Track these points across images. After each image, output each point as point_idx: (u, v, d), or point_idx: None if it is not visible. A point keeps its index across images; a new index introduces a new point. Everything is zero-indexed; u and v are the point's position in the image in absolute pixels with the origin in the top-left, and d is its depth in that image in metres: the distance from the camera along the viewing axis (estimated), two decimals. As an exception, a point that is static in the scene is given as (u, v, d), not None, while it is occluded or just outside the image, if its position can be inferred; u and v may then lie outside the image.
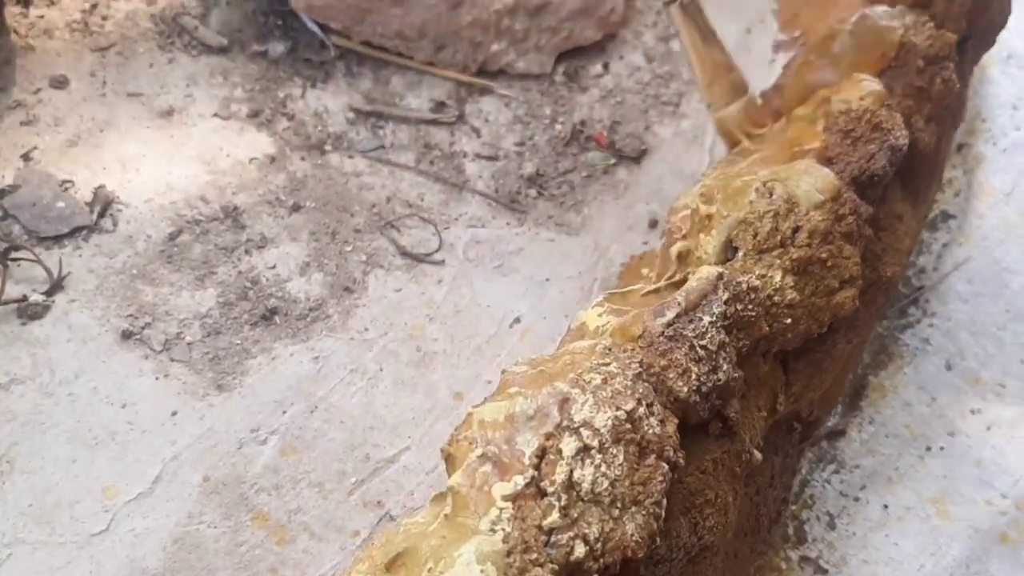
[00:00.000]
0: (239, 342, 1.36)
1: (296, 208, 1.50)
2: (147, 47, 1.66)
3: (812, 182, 1.15)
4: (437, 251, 1.50)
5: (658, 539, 0.97)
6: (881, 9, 1.38)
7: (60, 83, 1.58)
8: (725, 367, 1.04)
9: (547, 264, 1.52)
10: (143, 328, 1.35)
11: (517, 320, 1.45)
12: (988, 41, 1.76)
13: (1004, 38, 2.33)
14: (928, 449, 1.59)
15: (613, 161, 1.66)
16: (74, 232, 1.42)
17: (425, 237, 1.51)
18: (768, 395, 1.18)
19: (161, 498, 1.22)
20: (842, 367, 1.49)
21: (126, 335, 1.33)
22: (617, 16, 1.81)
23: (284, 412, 1.30)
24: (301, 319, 1.39)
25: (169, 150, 1.53)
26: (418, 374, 1.36)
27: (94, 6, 1.69)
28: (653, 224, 1.58)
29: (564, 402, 0.94)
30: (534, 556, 0.85)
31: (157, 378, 1.31)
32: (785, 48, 1.95)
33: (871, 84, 1.25)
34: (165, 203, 1.47)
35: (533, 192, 1.59)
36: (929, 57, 1.34)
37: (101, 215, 1.44)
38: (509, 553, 0.84)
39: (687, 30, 1.78)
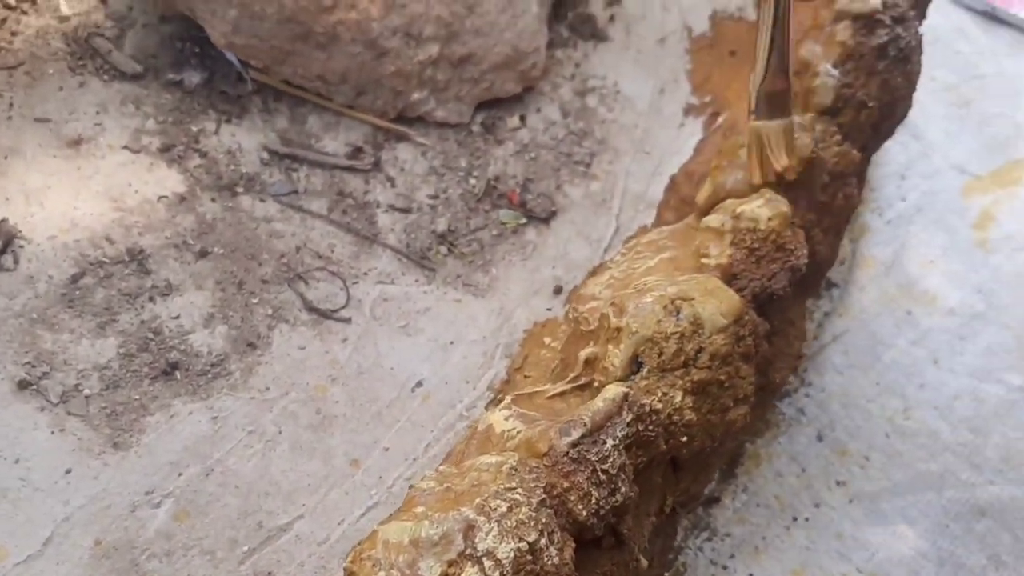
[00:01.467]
0: (138, 397, 1.35)
1: (203, 254, 1.49)
2: (57, 68, 1.61)
3: (717, 305, 1.20)
4: (344, 307, 1.51)
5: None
6: (796, 120, 1.44)
7: (-37, 101, 1.53)
8: (623, 489, 1.09)
9: (453, 326, 1.55)
10: (40, 378, 1.33)
11: (419, 384, 1.47)
12: (887, 136, 1.85)
13: (900, 107, 2.45)
14: (794, 520, 1.68)
15: (523, 220, 1.69)
16: (-28, 269, 1.38)
17: (333, 292, 1.52)
18: (658, 500, 1.24)
19: (52, 560, 1.22)
20: (724, 444, 1.56)
21: (23, 385, 1.31)
22: (537, 71, 1.83)
23: (180, 474, 1.31)
24: (202, 375, 1.39)
25: (76, 183, 1.50)
26: (316, 438, 1.38)
27: (3, 20, 1.62)
28: (558, 291, 1.62)
29: (469, 529, 0.98)
30: None
31: (53, 432, 1.29)
32: (695, 113, 2.00)
33: (779, 204, 1.31)
34: (69, 241, 1.45)
35: (444, 249, 1.62)
36: (835, 173, 1.41)
37: (2, 251, 1.40)
38: None
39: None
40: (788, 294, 1.29)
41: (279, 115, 1.68)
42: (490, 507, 1.00)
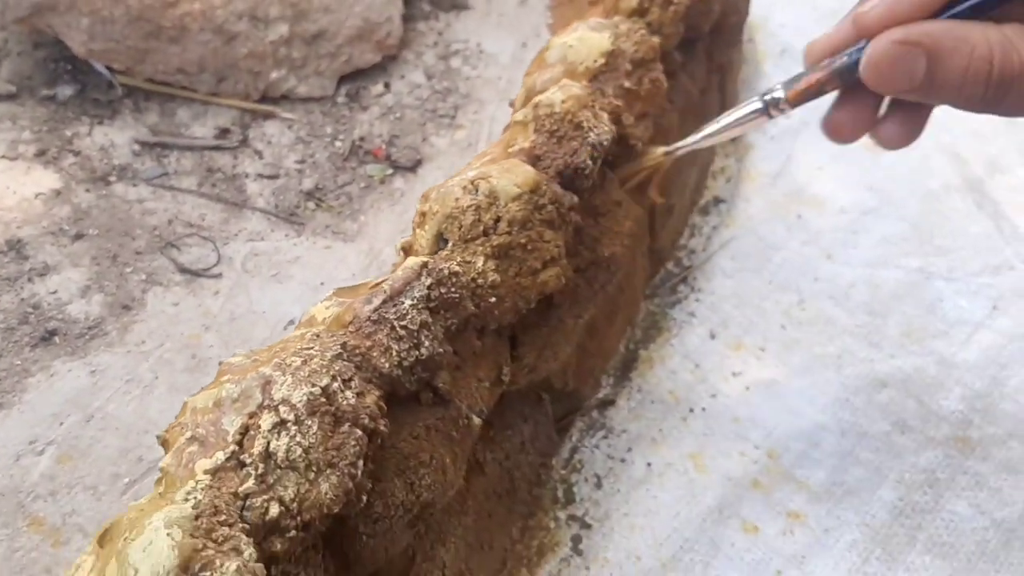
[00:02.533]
0: (19, 363, 1.45)
1: (79, 236, 1.61)
2: (-64, 98, 1.75)
3: (512, 178, 1.28)
4: (215, 266, 1.61)
5: (364, 497, 1.09)
6: (594, 21, 1.54)
7: None
8: (427, 343, 1.16)
9: (323, 270, 1.64)
10: (-75, 358, 1.44)
11: (291, 322, 1.56)
12: (730, 39, 1.94)
13: (779, 34, 2.54)
14: (691, 411, 1.74)
15: (390, 171, 1.79)
16: None
17: (204, 254, 1.62)
18: (490, 367, 1.31)
19: (-60, 512, 1.31)
20: (597, 343, 1.63)
21: (-92, 365, 1.43)
22: (394, 39, 1.94)
23: (61, 423, 1.40)
24: (80, 337, 1.49)
25: (-44, 192, 1.63)
26: (192, 379, 1.47)
27: None
28: (423, 226, 1.71)
29: (267, 384, 1.06)
30: (223, 518, 0.97)
31: (-66, 410, 1.40)
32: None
33: (573, 88, 1.40)
34: (-50, 241, 1.57)
35: (312, 205, 1.72)
36: (636, 61, 1.50)
37: None
38: (198, 517, 0.96)
39: None
40: (592, 167, 1.37)
41: (149, 112, 1.80)
42: (286, 364, 1.08)
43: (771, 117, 1.33)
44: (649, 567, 1.54)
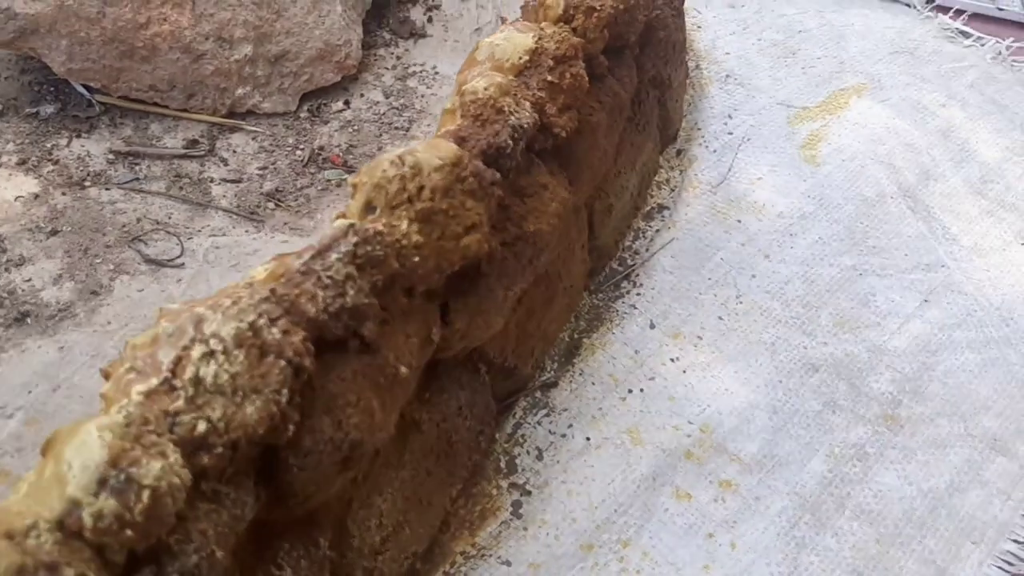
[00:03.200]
0: (-5, 342, 1.58)
1: (54, 232, 1.74)
2: (-72, 116, 1.91)
3: (435, 152, 1.42)
4: (179, 257, 1.74)
5: (291, 427, 1.20)
6: (521, 23, 1.69)
7: None
8: (352, 293, 1.28)
9: (280, 261, 1.77)
10: (-93, 336, 1.56)
11: (248, 307, 1.68)
12: (662, 54, 2.08)
13: (722, 61, 2.69)
14: (629, 391, 1.84)
15: (345, 176, 1.93)
16: None
17: (169, 247, 1.75)
18: (419, 325, 1.42)
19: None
20: (535, 323, 1.75)
21: None
22: (353, 60, 2.10)
23: (29, 392, 1.52)
24: (50, 319, 1.61)
25: (-58, 195, 1.77)
26: (154, 354, 1.59)
27: None
28: (375, 223, 1.84)
29: (199, 322, 1.18)
30: (152, 427, 1.08)
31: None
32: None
33: (496, 77, 1.54)
34: (-66, 237, 1.71)
35: (271, 204, 1.85)
36: (558, 57, 1.64)
37: None
38: (128, 424, 1.07)
39: None
40: (513, 147, 1.50)
41: (124, 127, 1.95)
42: (218, 304, 1.20)
43: None
44: (584, 528, 1.64)
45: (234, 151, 1.93)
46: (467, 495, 1.65)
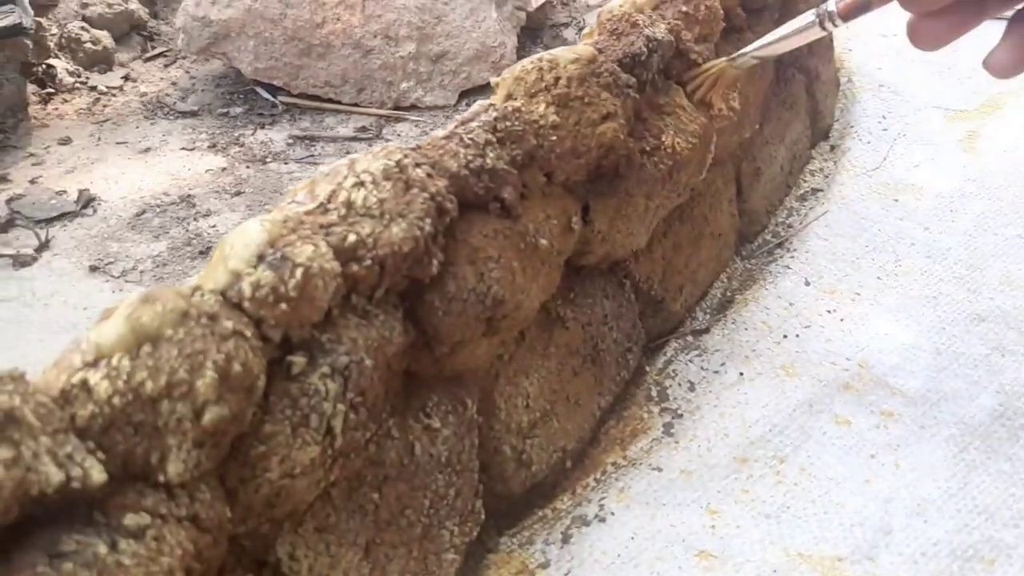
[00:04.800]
0: (182, 270, 1.73)
1: (237, 193, 1.92)
2: (136, 118, 2.16)
3: (572, 51, 1.51)
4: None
5: (435, 262, 1.27)
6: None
7: (65, 141, 2.07)
8: (492, 155, 1.37)
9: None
10: (107, 265, 1.74)
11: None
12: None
13: (875, 73, 2.72)
14: (784, 336, 1.82)
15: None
16: (62, 216, 1.85)
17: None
18: (559, 210, 1.48)
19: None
20: (683, 260, 1.78)
21: (93, 269, 1.73)
22: (507, 62, 2.25)
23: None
24: (230, 251, 1.76)
25: (144, 170, 1.99)
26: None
27: (96, 100, 2.21)
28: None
29: (352, 163, 1.29)
30: (310, 230, 1.18)
31: (113, 292, 1.68)
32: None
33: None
34: (136, 198, 1.91)
35: (431, 174, 1.98)
36: (693, -11, 1.74)
37: (84, 206, 1.87)
38: (286, 221, 1.17)
39: None
40: (647, 56, 1.58)
41: (303, 120, 2.15)
42: (370, 151, 1.31)
43: (824, 30, 1.50)
44: (737, 443, 1.60)
45: (399, 135, 2.09)
46: (618, 417, 1.65)
